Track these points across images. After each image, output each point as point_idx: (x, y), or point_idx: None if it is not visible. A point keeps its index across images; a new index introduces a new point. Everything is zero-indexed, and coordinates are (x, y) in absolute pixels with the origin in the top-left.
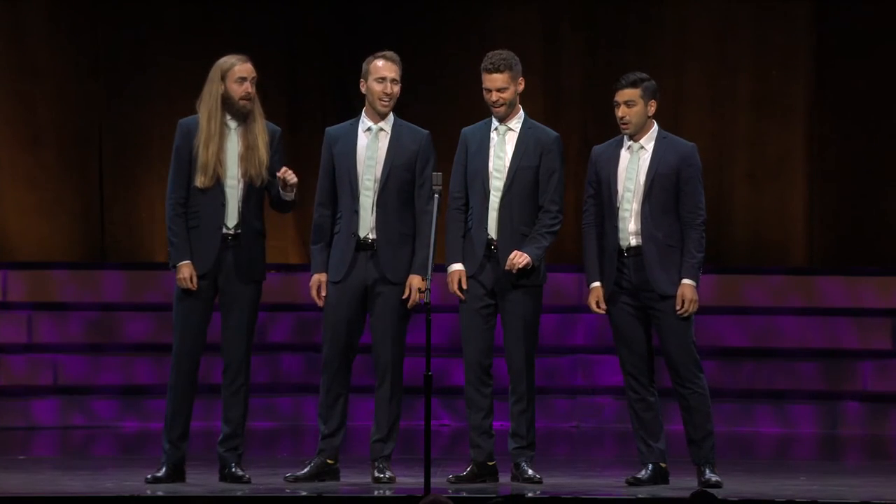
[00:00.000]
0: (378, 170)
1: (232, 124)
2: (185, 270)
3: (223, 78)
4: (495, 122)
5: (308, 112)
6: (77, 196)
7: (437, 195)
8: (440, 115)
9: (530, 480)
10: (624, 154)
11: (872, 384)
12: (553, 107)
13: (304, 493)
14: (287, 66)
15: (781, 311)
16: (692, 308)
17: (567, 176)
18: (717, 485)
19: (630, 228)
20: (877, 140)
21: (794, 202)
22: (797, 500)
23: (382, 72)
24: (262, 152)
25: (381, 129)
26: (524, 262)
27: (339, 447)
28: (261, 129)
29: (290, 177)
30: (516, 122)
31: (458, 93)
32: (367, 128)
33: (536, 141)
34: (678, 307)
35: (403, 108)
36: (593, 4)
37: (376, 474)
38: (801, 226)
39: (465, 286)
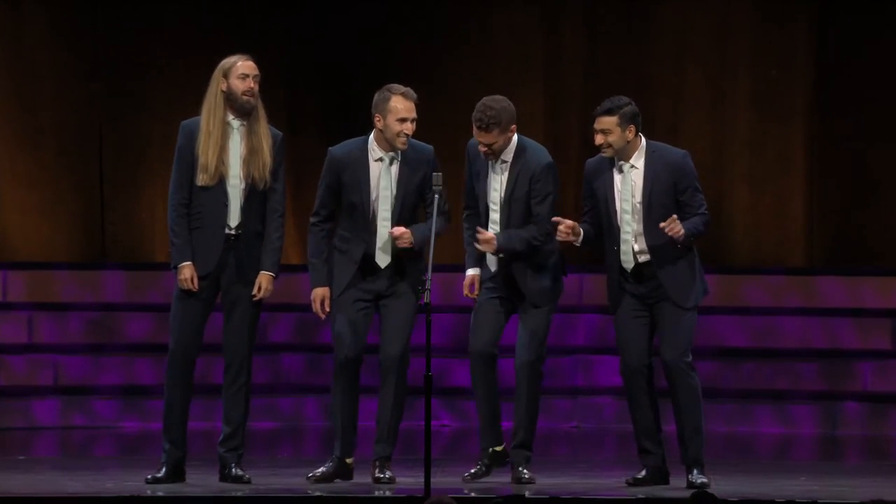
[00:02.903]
0: (392, 201)
1: (235, 123)
2: (187, 271)
3: (225, 75)
4: None
5: (308, 114)
6: (77, 196)
7: (437, 195)
8: (439, 115)
9: (519, 480)
10: (616, 175)
11: (872, 384)
12: (553, 107)
13: (304, 494)
14: (287, 68)
15: (781, 311)
16: (677, 226)
17: (567, 176)
18: (702, 486)
19: (635, 249)
20: (876, 140)
21: (794, 202)
22: (797, 500)
23: (403, 113)
24: (266, 155)
25: (393, 158)
26: (489, 247)
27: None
28: (265, 132)
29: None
30: (509, 153)
31: (457, 92)
32: (378, 157)
33: (526, 169)
34: (660, 225)
35: None
36: (593, 4)
37: (377, 474)
38: (800, 226)
39: (476, 291)
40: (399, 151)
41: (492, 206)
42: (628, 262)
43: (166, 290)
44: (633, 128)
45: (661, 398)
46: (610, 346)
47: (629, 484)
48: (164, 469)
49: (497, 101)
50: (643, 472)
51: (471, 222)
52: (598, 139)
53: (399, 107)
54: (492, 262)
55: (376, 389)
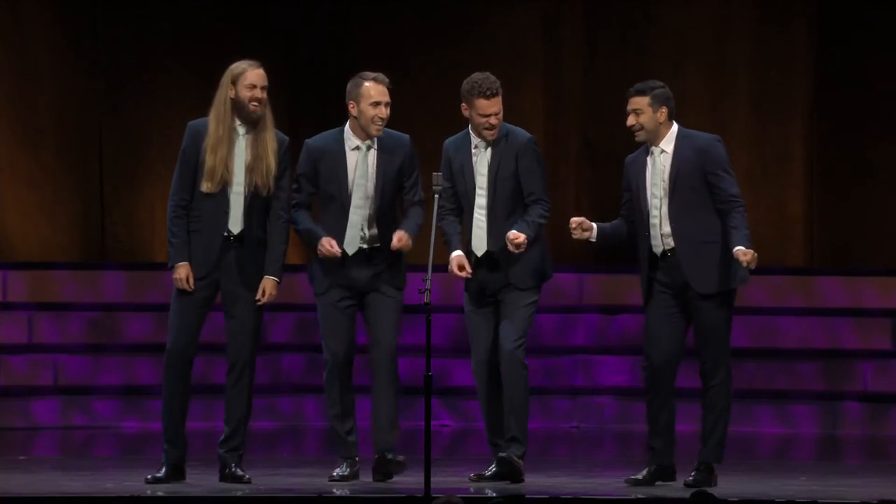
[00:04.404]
0: (370, 188)
1: (241, 130)
2: (182, 271)
3: (234, 83)
4: (474, 140)
5: (308, 114)
6: (77, 196)
7: (436, 195)
8: (440, 114)
9: (510, 462)
10: (648, 160)
11: (872, 384)
12: (553, 106)
13: (304, 494)
14: (287, 66)
15: (781, 311)
16: (752, 259)
17: (567, 176)
18: (693, 484)
19: (664, 231)
20: (876, 140)
21: (794, 202)
22: (797, 500)
23: (375, 96)
24: (271, 161)
25: (370, 147)
26: (524, 240)
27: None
28: (270, 139)
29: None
30: None
31: (457, 92)
32: (354, 146)
33: (510, 147)
34: (744, 264)
35: (402, 107)
36: (593, 4)
37: (387, 457)
38: (800, 226)
39: (467, 268)
40: (375, 139)
41: (479, 191)
42: (657, 247)
43: (166, 290)
44: (664, 110)
45: (680, 399)
46: (610, 346)
47: (628, 484)
48: (163, 469)
49: (488, 73)
50: (643, 473)
51: (448, 220)
52: (630, 120)
53: (372, 91)
54: (479, 248)
55: (367, 389)
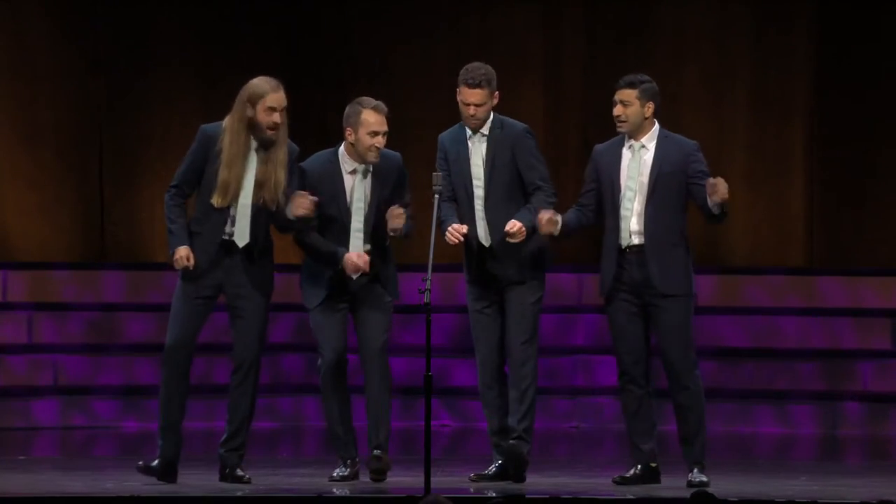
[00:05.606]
0: (366, 212)
1: (253, 144)
2: (182, 251)
3: (252, 103)
4: (468, 130)
5: (307, 114)
6: (77, 196)
7: (436, 195)
8: (439, 113)
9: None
10: (625, 153)
11: (872, 384)
12: (553, 107)
13: (303, 494)
14: (286, 66)
15: (781, 311)
16: (723, 186)
17: (567, 177)
18: (701, 484)
19: (632, 227)
20: (876, 140)
21: (794, 202)
22: (797, 500)
23: (374, 126)
24: (280, 176)
25: (367, 171)
26: (519, 227)
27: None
28: (282, 153)
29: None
30: (486, 127)
31: (455, 93)
32: (351, 170)
33: (505, 137)
34: (714, 183)
35: (401, 108)
36: (593, 4)
37: (375, 453)
38: (800, 226)
39: (464, 230)
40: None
41: (475, 182)
42: (626, 240)
43: (166, 290)
44: (651, 105)
45: (657, 398)
46: (610, 346)
47: (616, 483)
48: (156, 461)
49: (483, 65)
50: (632, 471)
51: (445, 204)
52: (617, 110)
53: (371, 120)
54: (484, 237)
55: (363, 389)
